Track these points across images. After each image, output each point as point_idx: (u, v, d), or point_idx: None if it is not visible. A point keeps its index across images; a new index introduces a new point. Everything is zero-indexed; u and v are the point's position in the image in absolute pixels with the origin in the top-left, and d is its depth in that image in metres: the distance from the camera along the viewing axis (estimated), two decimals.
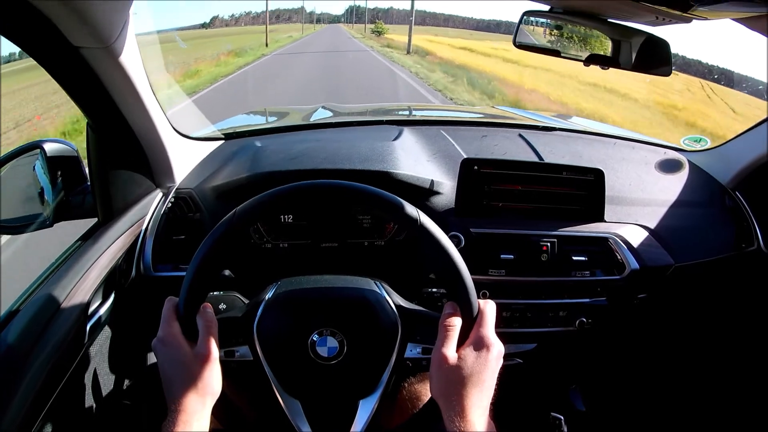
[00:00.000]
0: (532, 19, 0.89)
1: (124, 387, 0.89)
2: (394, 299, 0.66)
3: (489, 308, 0.60)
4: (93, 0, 0.59)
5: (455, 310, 0.59)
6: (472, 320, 0.59)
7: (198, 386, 0.56)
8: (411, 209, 0.59)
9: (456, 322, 0.58)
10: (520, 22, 0.89)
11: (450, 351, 0.56)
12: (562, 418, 0.97)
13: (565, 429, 0.96)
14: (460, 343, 0.58)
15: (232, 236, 0.58)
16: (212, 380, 0.57)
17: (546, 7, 0.86)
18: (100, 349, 0.84)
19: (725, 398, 1.21)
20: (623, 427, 1.24)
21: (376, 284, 0.67)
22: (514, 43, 0.90)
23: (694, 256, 1.01)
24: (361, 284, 0.67)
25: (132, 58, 0.73)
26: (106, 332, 0.85)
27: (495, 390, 0.58)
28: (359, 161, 0.93)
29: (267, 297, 0.65)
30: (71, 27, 0.60)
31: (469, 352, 0.56)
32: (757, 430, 1.14)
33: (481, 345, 0.57)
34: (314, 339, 0.62)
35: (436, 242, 0.59)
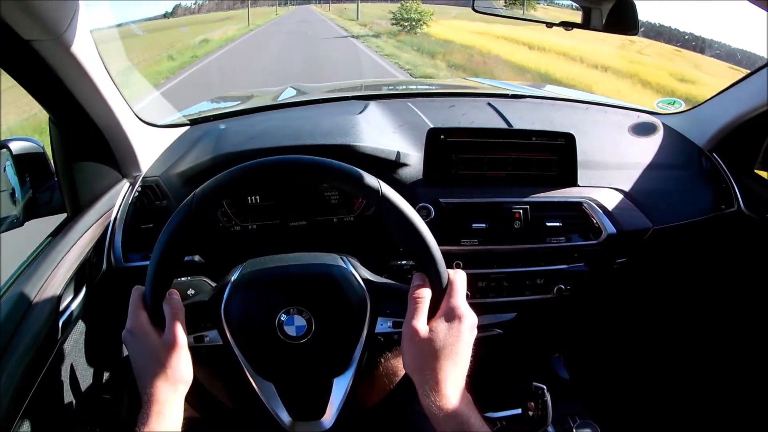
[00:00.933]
0: None
1: (103, 380, 0.89)
2: (361, 273, 0.65)
3: (459, 278, 0.58)
4: None
5: (424, 281, 0.58)
6: (442, 291, 0.58)
7: (168, 374, 0.55)
8: (371, 180, 0.58)
9: (425, 294, 0.57)
10: None
11: (420, 323, 0.55)
12: (545, 387, 0.96)
13: (548, 397, 0.95)
14: (431, 315, 0.56)
15: (193, 220, 0.58)
16: (181, 367, 0.57)
17: None
18: (75, 343, 0.83)
19: (708, 359, 1.20)
20: (607, 393, 1.24)
21: (342, 259, 0.66)
22: (473, 8, 0.90)
23: (672, 218, 1.00)
24: (327, 260, 0.66)
25: (86, 48, 0.72)
26: (80, 326, 0.84)
27: (471, 361, 0.57)
28: (321, 136, 0.92)
29: (232, 279, 0.64)
30: (19, 20, 0.60)
31: (440, 324, 0.55)
32: (744, 391, 1.13)
33: (452, 316, 0.56)
34: (282, 319, 0.61)
35: (399, 212, 0.57)
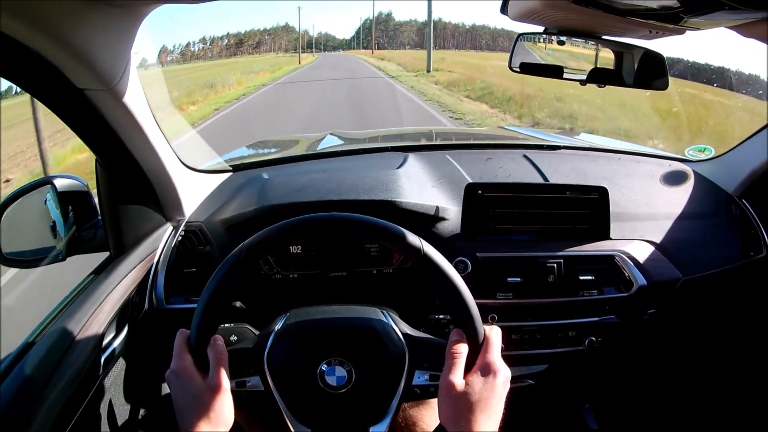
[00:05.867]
0: (526, 42, 0.90)
1: (139, 417, 0.91)
2: (400, 327, 0.66)
3: (495, 334, 0.61)
4: (94, 45, 0.60)
5: (461, 337, 0.60)
6: (478, 347, 0.60)
7: (210, 417, 0.57)
8: (414, 238, 0.60)
9: (462, 349, 0.59)
10: (515, 45, 0.90)
11: (457, 378, 0.57)
12: None
13: None
14: (467, 370, 0.58)
15: (239, 270, 0.60)
16: (224, 411, 0.58)
17: (540, 29, 0.86)
18: (115, 380, 0.85)
19: (742, 409, 1.20)
20: None
21: (382, 313, 0.68)
22: (510, 67, 0.90)
23: (701, 268, 1.01)
24: (368, 313, 0.68)
25: (136, 98, 0.74)
26: (121, 364, 0.86)
27: (504, 413, 0.58)
28: (364, 191, 0.94)
29: (276, 328, 0.66)
30: (74, 71, 0.62)
31: (476, 379, 0.57)
32: None
33: (487, 371, 0.58)
34: (323, 369, 0.63)
35: (440, 270, 0.59)
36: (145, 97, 0.78)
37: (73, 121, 0.73)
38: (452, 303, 0.60)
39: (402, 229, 0.61)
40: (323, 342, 0.65)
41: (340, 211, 0.65)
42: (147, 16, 0.66)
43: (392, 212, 0.91)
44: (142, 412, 0.91)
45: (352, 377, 0.63)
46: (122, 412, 0.87)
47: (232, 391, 0.61)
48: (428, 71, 17.21)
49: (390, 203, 0.92)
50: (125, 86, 0.70)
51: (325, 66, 25.09)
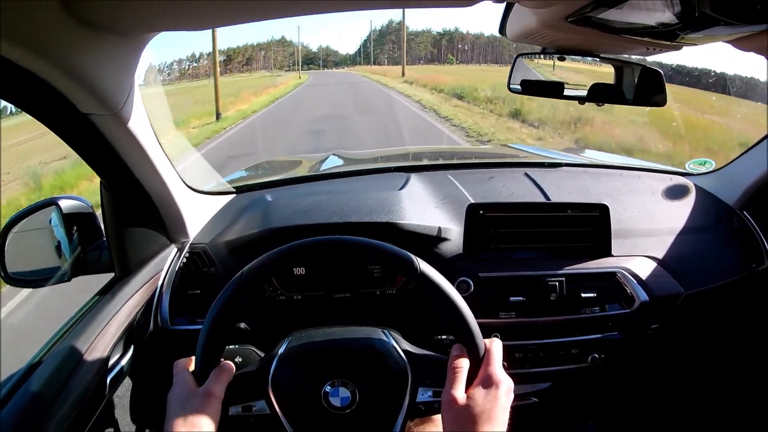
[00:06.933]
0: (525, 62, 0.90)
1: None
2: (402, 345, 0.67)
3: (495, 346, 0.62)
4: (98, 71, 0.61)
5: (462, 351, 0.61)
6: (479, 360, 0.60)
7: (187, 418, 0.56)
8: (409, 257, 0.61)
9: (463, 364, 0.59)
10: (513, 66, 0.90)
11: (459, 392, 0.57)
12: None
13: None
14: (469, 384, 0.59)
15: (241, 295, 0.61)
16: (203, 416, 0.57)
17: (538, 49, 0.87)
18: (120, 400, 0.86)
19: (747, 421, 1.20)
20: None
21: (383, 333, 0.69)
22: (509, 88, 0.91)
23: (703, 282, 1.01)
24: (369, 334, 0.69)
25: (140, 122, 0.75)
26: (127, 384, 0.87)
27: (509, 426, 0.58)
28: (366, 213, 0.95)
29: (280, 352, 0.67)
30: (79, 97, 0.62)
31: (478, 391, 0.58)
32: None
33: (489, 383, 0.58)
34: (327, 390, 0.64)
35: (436, 287, 0.61)
36: (149, 120, 0.79)
37: (77, 144, 0.74)
38: (451, 319, 0.61)
39: (397, 248, 0.62)
40: (325, 364, 0.65)
41: (343, 233, 0.66)
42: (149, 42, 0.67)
43: (395, 234, 0.92)
44: None
45: (356, 397, 0.64)
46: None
47: (239, 416, 0.61)
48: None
49: (392, 225, 0.92)
50: (130, 110, 0.71)
51: (315, 95, 17.31)
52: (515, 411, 0.60)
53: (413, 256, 0.61)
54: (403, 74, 25.50)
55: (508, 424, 0.58)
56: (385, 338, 0.68)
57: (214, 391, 0.59)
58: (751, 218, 1.11)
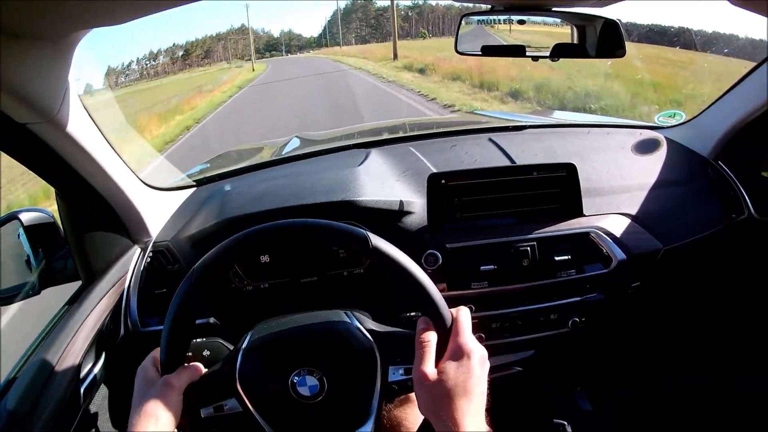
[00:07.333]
0: (472, 21, 0.87)
1: None
2: (366, 325, 0.65)
3: (463, 315, 0.59)
4: (26, 79, 0.59)
5: (428, 324, 0.58)
6: (447, 331, 0.58)
7: (145, 407, 0.55)
8: (361, 233, 0.58)
9: (431, 337, 0.57)
10: (459, 27, 0.87)
11: (428, 367, 0.55)
12: (566, 423, 0.96)
13: None
14: (440, 357, 0.56)
15: (195, 293, 0.59)
16: (159, 403, 0.56)
17: (486, 7, 0.83)
18: (98, 408, 0.85)
19: (735, 375, 1.19)
20: (631, 422, 1.22)
21: (346, 314, 0.67)
22: (456, 50, 0.89)
23: (682, 236, 0.99)
24: (330, 317, 0.67)
25: (81, 124, 0.73)
26: (103, 391, 0.86)
27: (493, 400, 0.57)
28: (323, 193, 0.92)
29: (243, 346, 0.65)
30: (11, 107, 0.61)
31: (449, 365, 0.55)
32: None
33: (460, 354, 0.55)
34: (294, 380, 0.62)
35: (392, 261, 0.58)
36: (93, 122, 0.77)
37: (21, 156, 0.72)
38: (413, 291, 0.58)
39: (347, 225, 0.59)
40: (288, 353, 0.63)
41: (298, 216, 0.63)
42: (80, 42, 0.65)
43: (353, 211, 0.89)
44: None
45: (324, 384, 0.62)
46: None
47: (212, 417, 0.60)
48: None
49: (349, 203, 0.90)
50: (66, 115, 0.69)
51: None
52: (500, 381, 0.57)
53: (366, 231, 0.59)
54: (395, 56, 16.90)
55: (490, 395, 0.56)
56: (347, 320, 0.66)
57: (172, 382, 0.58)
58: (727, 168, 1.09)
